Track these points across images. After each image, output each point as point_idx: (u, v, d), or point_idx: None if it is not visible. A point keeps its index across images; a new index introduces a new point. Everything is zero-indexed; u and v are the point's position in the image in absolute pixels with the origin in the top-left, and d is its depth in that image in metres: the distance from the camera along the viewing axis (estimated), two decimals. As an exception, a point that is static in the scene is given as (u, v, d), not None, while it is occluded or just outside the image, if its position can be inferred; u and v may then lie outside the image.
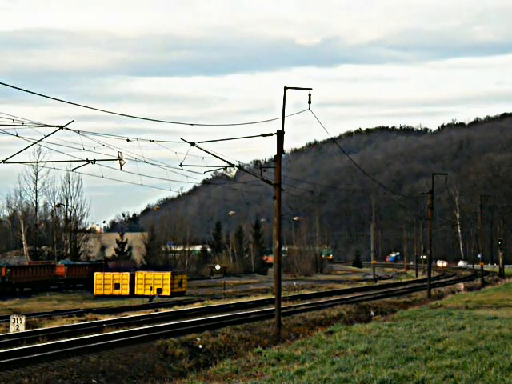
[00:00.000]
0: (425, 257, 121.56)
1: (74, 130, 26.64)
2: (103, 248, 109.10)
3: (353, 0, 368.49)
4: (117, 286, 62.70)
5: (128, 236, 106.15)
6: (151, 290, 60.51)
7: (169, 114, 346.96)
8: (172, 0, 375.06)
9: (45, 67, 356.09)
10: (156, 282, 61.81)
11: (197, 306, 46.35)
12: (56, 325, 33.10)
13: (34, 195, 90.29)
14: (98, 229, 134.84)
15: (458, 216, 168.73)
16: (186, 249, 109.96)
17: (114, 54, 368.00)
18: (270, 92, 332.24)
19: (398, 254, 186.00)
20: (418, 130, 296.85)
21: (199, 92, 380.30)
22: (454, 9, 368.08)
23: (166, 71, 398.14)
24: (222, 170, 32.41)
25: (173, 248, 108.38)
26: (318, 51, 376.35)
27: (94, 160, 29.03)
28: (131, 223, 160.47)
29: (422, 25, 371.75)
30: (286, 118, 29.29)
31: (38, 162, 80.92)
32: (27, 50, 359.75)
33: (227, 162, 29.99)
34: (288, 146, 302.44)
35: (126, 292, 62.34)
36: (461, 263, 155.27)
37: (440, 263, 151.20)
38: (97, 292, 62.74)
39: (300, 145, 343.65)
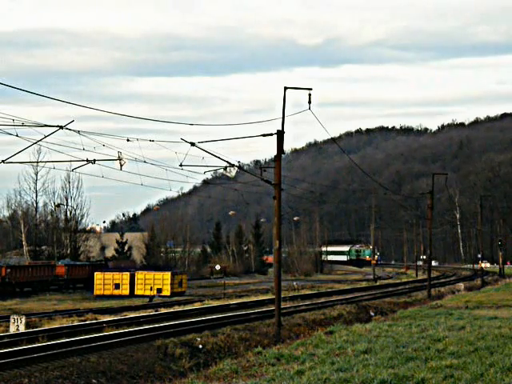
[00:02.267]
0: (425, 257, 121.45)
1: (74, 130, 26.66)
2: (103, 248, 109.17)
3: (355, 0, 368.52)
4: (117, 286, 62.68)
5: (128, 236, 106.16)
6: (151, 290, 60.49)
7: (170, 114, 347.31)
8: (173, 0, 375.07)
9: (46, 67, 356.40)
10: (156, 282, 61.78)
11: (197, 305, 46.33)
12: (56, 325, 33.09)
13: (34, 195, 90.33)
14: (98, 229, 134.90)
15: (458, 216, 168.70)
16: (186, 249, 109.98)
17: (116, 54, 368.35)
18: (273, 92, 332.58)
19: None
20: (418, 130, 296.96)
21: (201, 92, 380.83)
22: (455, 9, 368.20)
23: (168, 71, 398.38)
24: (222, 170, 32.44)
25: (172, 248, 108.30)
26: (321, 51, 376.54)
27: (94, 160, 29.03)
28: (131, 223, 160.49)
29: (424, 25, 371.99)
30: (286, 118, 29.31)
31: (38, 162, 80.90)
32: (28, 50, 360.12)
33: (227, 162, 30.00)
34: (288, 146, 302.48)
35: (126, 292, 62.32)
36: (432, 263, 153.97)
37: (483, 264, 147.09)
38: (97, 292, 62.71)
39: (300, 145, 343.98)
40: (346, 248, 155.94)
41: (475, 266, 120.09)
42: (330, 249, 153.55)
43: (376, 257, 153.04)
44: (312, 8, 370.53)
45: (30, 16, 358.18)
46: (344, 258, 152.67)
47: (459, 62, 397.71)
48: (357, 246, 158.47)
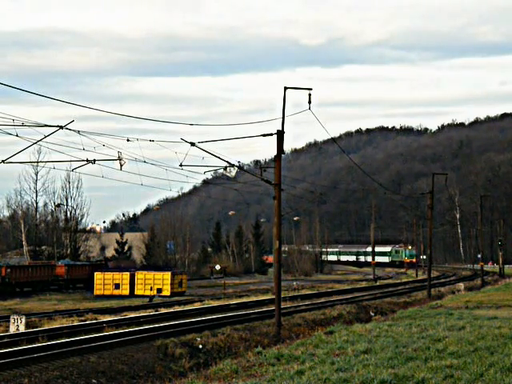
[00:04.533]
0: (425, 257, 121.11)
1: (74, 130, 26.68)
2: (103, 248, 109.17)
3: (357, 0, 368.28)
4: (117, 286, 62.69)
5: (128, 236, 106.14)
6: (151, 290, 60.50)
7: (172, 114, 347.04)
8: (176, 0, 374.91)
9: (48, 67, 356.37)
10: (156, 282, 61.79)
11: (197, 306, 46.34)
12: (56, 325, 33.10)
13: (34, 195, 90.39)
14: (98, 229, 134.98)
15: (457, 216, 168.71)
16: (186, 249, 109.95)
17: (118, 54, 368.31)
18: (274, 92, 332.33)
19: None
20: (417, 130, 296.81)
21: (203, 92, 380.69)
22: (457, 9, 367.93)
23: (170, 71, 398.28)
24: (221, 170, 32.42)
25: (173, 251, 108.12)
26: (322, 51, 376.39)
27: (94, 160, 29.05)
28: (131, 223, 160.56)
29: (425, 25, 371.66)
30: (286, 118, 29.33)
31: (38, 162, 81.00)
32: (30, 50, 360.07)
33: (227, 161, 30.02)
34: (288, 146, 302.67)
35: (126, 292, 62.32)
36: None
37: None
38: (97, 292, 62.72)
39: (300, 145, 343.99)
40: (387, 248, 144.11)
41: (475, 265, 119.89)
42: (369, 249, 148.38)
43: (415, 258, 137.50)
44: (314, 8, 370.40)
45: (32, 16, 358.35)
46: (386, 259, 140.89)
47: (460, 62, 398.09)
48: (396, 247, 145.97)
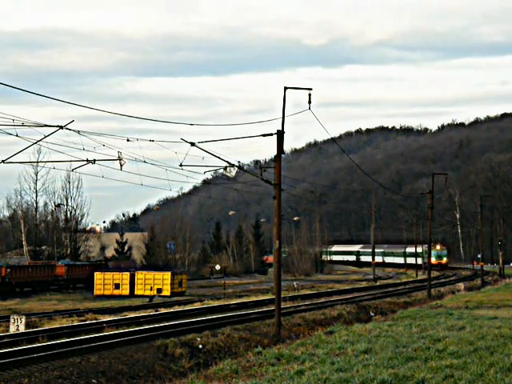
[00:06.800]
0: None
1: (74, 130, 26.69)
2: (103, 248, 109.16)
3: (359, 0, 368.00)
4: (117, 286, 62.71)
5: (128, 236, 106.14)
6: (151, 290, 60.52)
7: (174, 114, 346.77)
8: (177, 0, 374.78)
9: (50, 67, 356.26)
10: (156, 282, 61.83)
11: (197, 305, 46.35)
12: (56, 325, 33.10)
13: (34, 195, 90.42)
14: (98, 229, 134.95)
15: (457, 216, 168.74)
16: (186, 249, 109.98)
17: (119, 54, 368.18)
18: (275, 92, 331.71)
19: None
20: (417, 130, 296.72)
21: (204, 92, 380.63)
22: (458, 9, 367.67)
23: (171, 71, 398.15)
24: (221, 170, 32.40)
25: (173, 252, 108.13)
26: (323, 52, 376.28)
27: (94, 160, 29.07)
28: (131, 223, 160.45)
29: (427, 25, 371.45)
30: (286, 118, 29.32)
31: (38, 162, 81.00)
32: (31, 50, 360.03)
33: (227, 162, 30.01)
34: (288, 146, 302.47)
35: (126, 292, 62.35)
36: None
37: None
38: (97, 292, 62.75)
39: (300, 145, 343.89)
40: (420, 249, 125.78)
41: (475, 265, 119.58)
42: (413, 249, 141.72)
43: (445, 259, 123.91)
44: (316, 8, 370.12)
45: (34, 16, 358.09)
46: (419, 260, 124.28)
47: (460, 62, 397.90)
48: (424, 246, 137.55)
